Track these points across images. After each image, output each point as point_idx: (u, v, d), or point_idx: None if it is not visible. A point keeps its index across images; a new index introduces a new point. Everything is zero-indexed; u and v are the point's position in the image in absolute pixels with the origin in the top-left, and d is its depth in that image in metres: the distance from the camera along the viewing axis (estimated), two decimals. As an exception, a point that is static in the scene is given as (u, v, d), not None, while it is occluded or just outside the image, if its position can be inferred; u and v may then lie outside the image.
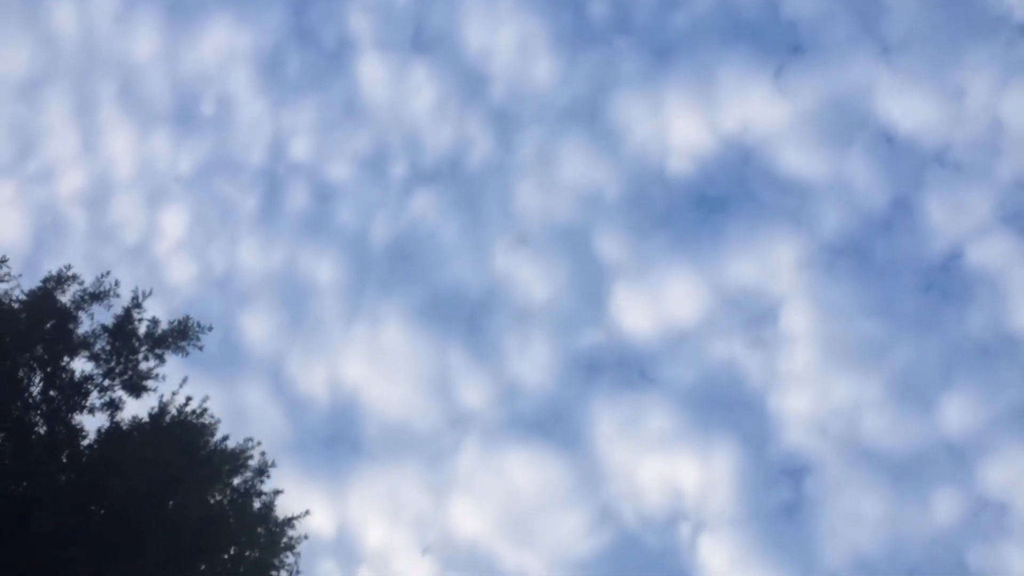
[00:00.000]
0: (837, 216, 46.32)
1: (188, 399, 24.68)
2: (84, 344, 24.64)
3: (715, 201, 48.91)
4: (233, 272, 47.87)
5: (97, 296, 25.12)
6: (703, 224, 48.29)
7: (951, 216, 45.42)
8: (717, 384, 45.71)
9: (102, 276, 25.26)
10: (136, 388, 24.66)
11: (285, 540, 24.58)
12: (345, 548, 43.13)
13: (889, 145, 46.61)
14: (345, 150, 49.72)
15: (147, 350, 25.06)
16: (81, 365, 24.51)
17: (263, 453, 25.23)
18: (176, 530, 22.63)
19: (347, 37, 50.37)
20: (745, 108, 47.57)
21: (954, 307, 45.40)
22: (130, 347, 24.89)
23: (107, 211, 47.73)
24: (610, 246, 47.81)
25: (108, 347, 24.78)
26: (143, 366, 24.92)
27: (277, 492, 25.08)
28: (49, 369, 24.01)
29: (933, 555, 42.11)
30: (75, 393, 24.02)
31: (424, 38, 50.62)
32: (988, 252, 44.41)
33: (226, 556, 23.76)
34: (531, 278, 47.65)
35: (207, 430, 24.67)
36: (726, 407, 45.61)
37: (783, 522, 43.96)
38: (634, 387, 46.72)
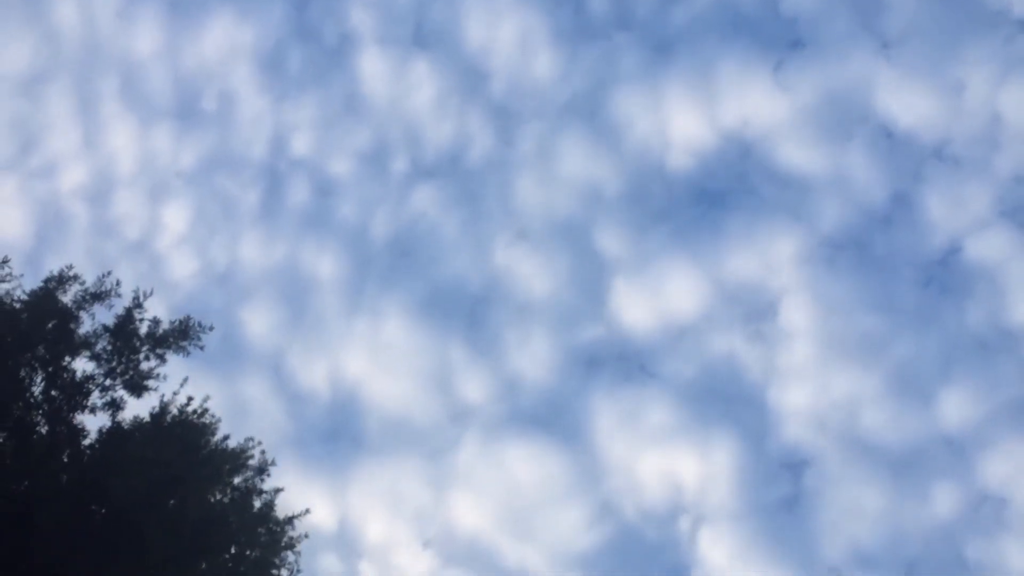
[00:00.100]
0: (836, 211, 46.37)
1: (189, 399, 24.83)
2: (85, 344, 24.74)
3: (715, 196, 48.91)
4: (234, 267, 47.96)
5: (98, 296, 25.21)
6: (703, 219, 48.31)
7: (950, 211, 45.47)
8: (717, 378, 45.81)
9: (103, 276, 25.39)
10: (137, 388, 24.77)
11: (286, 539, 24.68)
12: (346, 542, 43.32)
13: (888, 140, 46.63)
14: (346, 145, 49.77)
15: (148, 350, 25.15)
16: (82, 365, 24.66)
17: (263, 452, 25.39)
18: (177, 529, 22.74)
19: (348, 33, 50.37)
20: (745, 103, 47.57)
21: (953, 301, 45.43)
22: (131, 347, 24.99)
23: (109, 206, 47.77)
24: (610, 241, 47.88)
25: (109, 347, 24.88)
26: (144, 366, 25.03)
27: (278, 490, 25.18)
28: (50, 369, 24.11)
29: (932, 549, 42.29)
30: (76, 393, 24.11)
31: (425, 34, 50.64)
32: (987, 246, 44.45)
33: (227, 555, 23.86)
34: (531, 273, 47.72)
35: (208, 430, 24.79)
36: (726, 401, 45.72)
37: (783, 516, 44.05)
38: (634, 381, 46.84)
